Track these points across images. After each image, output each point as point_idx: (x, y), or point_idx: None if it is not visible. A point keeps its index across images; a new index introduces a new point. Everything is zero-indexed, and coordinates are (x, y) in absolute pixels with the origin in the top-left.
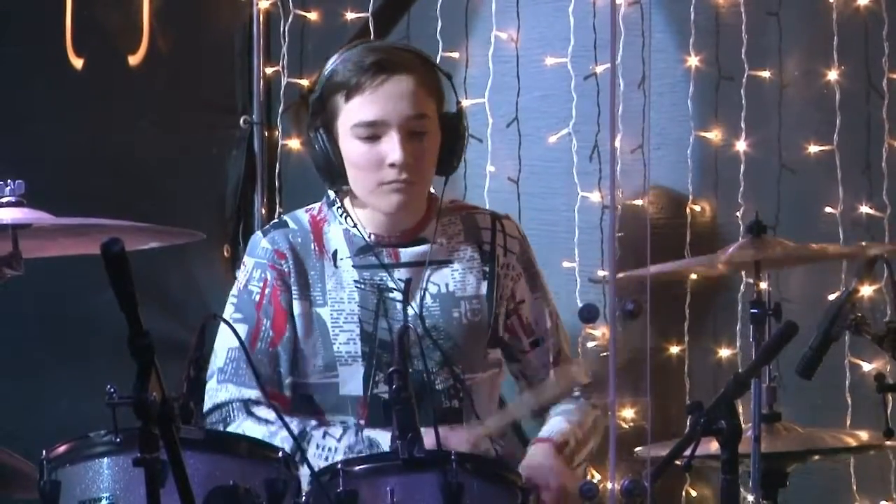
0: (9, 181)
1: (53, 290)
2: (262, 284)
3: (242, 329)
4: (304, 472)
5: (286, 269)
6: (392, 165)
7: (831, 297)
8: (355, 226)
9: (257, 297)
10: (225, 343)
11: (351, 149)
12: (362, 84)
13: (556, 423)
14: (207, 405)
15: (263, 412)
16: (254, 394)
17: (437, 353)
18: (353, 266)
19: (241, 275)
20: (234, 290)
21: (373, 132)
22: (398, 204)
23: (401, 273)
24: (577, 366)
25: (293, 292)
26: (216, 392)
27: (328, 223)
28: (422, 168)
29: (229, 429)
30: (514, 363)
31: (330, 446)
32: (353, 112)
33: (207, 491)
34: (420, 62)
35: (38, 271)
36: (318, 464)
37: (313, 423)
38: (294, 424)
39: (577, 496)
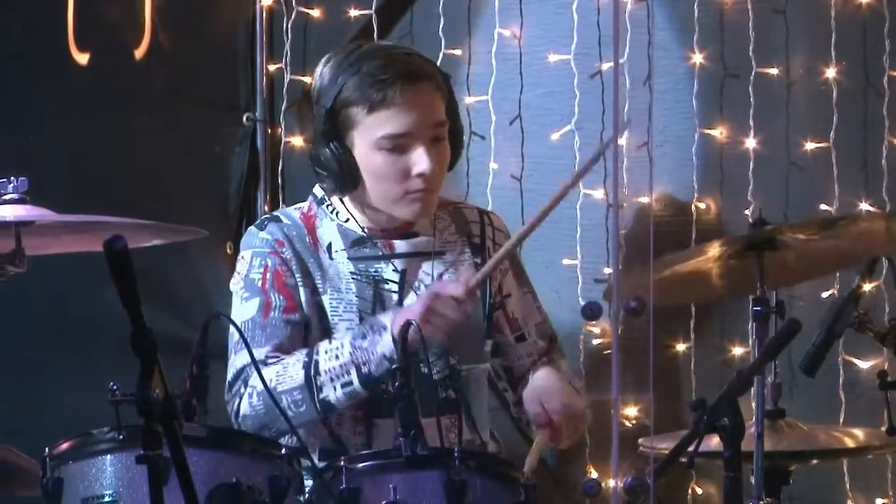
0: (12, 178)
1: (56, 288)
2: (262, 270)
3: (254, 303)
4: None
5: (287, 256)
6: (420, 175)
7: (825, 294)
8: (348, 220)
9: (260, 282)
10: (238, 318)
11: (374, 160)
12: (390, 98)
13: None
14: (229, 377)
15: (272, 359)
16: (265, 351)
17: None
18: (348, 258)
19: (241, 266)
20: (235, 281)
21: (399, 143)
22: (421, 212)
23: (396, 264)
24: (564, 360)
25: (297, 278)
26: (233, 361)
27: (319, 219)
28: (441, 174)
29: (247, 388)
30: (497, 357)
31: (337, 345)
32: (378, 125)
33: (210, 488)
34: (432, 66)
35: (41, 269)
36: (334, 364)
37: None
38: (302, 351)
39: (584, 418)
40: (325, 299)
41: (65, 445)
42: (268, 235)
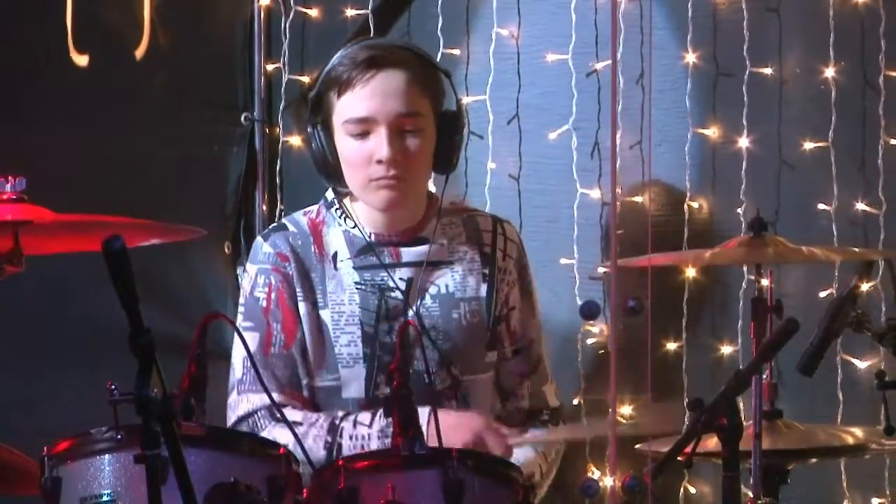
0: (10, 178)
1: (54, 288)
2: (267, 289)
3: (254, 336)
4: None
5: (290, 272)
6: (379, 162)
7: (823, 294)
8: (355, 226)
9: (264, 303)
10: (240, 354)
11: (343, 145)
12: (353, 80)
13: (523, 452)
14: (232, 418)
15: (290, 414)
16: (276, 397)
17: (436, 353)
18: (353, 268)
19: (246, 283)
20: (241, 299)
21: (362, 129)
22: (388, 201)
23: (402, 273)
24: (551, 385)
25: (297, 294)
26: (238, 404)
27: (327, 226)
28: (412, 165)
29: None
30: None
31: (362, 434)
32: (344, 108)
33: (208, 488)
34: (416, 59)
35: (39, 268)
36: (357, 451)
37: (340, 414)
38: (322, 420)
39: None
40: (327, 313)
41: (63, 445)
42: (271, 249)
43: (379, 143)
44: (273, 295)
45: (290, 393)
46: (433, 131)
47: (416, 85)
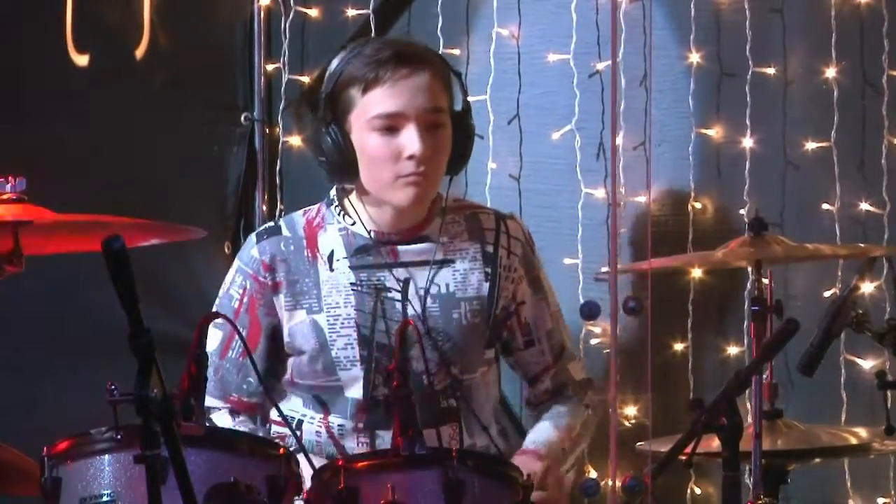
0: (10, 178)
1: (54, 287)
2: (241, 291)
3: (217, 335)
4: None
5: (270, 282)
6: (410, 157)
7: (827, 293)
8: (355, 223)
9: (235, 304)
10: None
11: (368, 142)
12: (382, 77)
13: (543, 431)
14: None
15: (219, 419)
16: (215, 402)
17: (436, 353)
18: (349, 267)
19: (228, 276)
20: (220, 292)
21: (391, 124)
22: (414, 197)
23: (399, 272)
24: (577, 362)
25: (284, 304)
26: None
27: (325, 226)
28: (437, 161)
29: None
30: (509, 356)
31: None
32: (371, 104)
33: (208, 487)
34: (434, 55)
35: (39, 268)
36: None
37: None
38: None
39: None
40: (322, 317)
41: (63, 445)
42: (257, 254)
43: (410, 139)
44: (245, 300)
45: (237, 400)
46: (450, 127)
47: (438, 80)
